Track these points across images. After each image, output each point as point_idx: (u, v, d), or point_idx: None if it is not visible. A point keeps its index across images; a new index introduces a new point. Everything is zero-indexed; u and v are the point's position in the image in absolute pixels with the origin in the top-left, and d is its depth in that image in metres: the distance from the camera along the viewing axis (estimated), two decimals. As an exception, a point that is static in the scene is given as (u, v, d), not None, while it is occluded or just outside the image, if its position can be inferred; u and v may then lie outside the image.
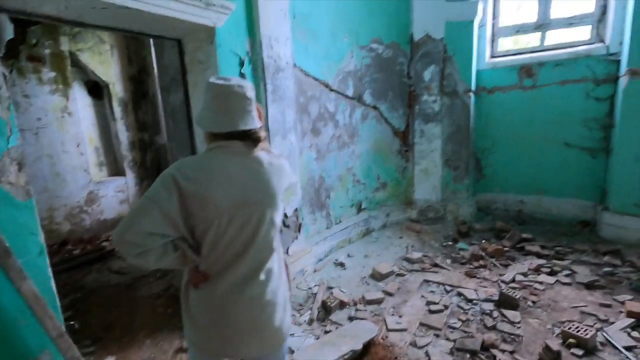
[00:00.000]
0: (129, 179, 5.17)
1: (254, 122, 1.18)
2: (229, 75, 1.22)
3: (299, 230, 3.19)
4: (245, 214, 1.15)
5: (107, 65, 4.78)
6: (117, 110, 4.95)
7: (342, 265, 3.50)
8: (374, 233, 4.31)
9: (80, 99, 4.71)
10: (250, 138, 1.18)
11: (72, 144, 4.51)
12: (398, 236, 4.21)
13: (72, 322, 1.71)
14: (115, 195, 5.01)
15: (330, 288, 3.05)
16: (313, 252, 3.36)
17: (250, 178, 1.17)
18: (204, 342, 1.23)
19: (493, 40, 4.58)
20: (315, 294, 2.94)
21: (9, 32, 1.56)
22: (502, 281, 2.99)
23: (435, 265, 3.43)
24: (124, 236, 1.02)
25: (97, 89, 4.93)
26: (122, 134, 5.03)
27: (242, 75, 2.61)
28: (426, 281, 3.12)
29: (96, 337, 2.52)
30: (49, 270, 1.66)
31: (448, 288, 2.97)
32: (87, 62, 4.58)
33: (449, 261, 3.53)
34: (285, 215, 3.02)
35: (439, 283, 3.06)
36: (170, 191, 1.05)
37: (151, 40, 4.57)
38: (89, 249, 4.26)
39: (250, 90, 1.18)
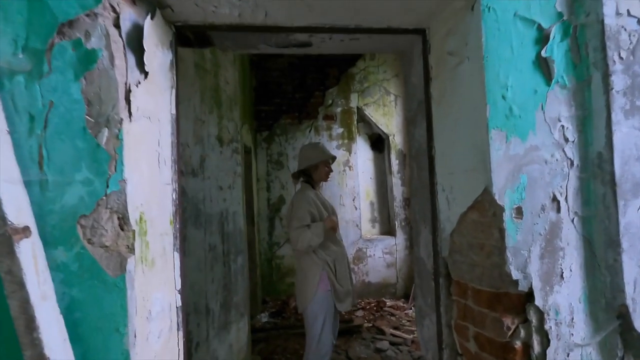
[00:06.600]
0: (399, 240, 4.53)
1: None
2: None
3: None
4: None
5: (389, 116, 4.55)
6: (394, 163, 4.55)
7: None
8: None
9: (361, 153, 4.69)
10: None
11: (349, 197, 4.47)
12: None
13: None
14: (382, 256, 4.50)
15: None
16: None
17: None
18: None
19: None
20: None
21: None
22: None
23: None
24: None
25: (379, 142, 4.79)
26: (397, 188, 4.54)
27: (543, 61, 1.21)
28: None
29: None
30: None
31: None
32: (372, 115, 4.52)
33: None
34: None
35: None
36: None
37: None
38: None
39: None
